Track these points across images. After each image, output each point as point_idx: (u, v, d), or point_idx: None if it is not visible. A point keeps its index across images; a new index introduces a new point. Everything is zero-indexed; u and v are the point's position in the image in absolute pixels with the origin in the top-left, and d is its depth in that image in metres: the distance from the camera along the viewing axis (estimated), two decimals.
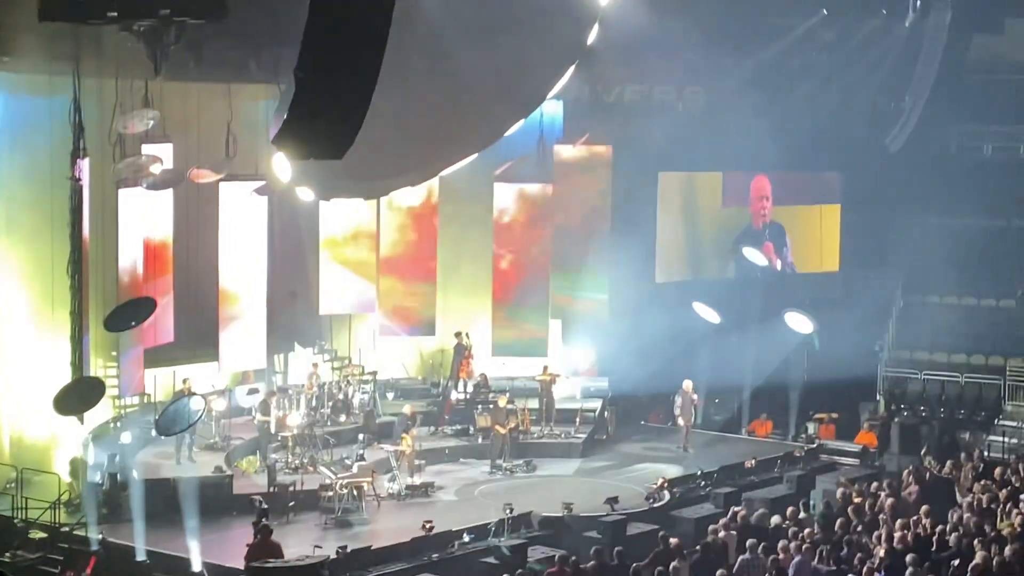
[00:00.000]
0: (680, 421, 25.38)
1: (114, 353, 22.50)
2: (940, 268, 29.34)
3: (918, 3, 27.79)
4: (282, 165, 21.26)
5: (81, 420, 19.71)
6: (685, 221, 29.70)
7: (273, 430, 22.93)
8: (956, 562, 15.90)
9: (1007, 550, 16.19)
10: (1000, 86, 29.41)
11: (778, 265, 30.47)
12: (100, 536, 18.85)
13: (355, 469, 21.26)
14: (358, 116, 8.45)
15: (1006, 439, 25.19)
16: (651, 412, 27.97)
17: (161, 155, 21.82)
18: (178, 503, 19.64)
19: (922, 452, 23.23)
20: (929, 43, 27.56)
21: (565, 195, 27.74)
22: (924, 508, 18.14)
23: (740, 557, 16.42)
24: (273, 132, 16.15)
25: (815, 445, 25.38)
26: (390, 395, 26.75)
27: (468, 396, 25.88)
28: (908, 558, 15.61)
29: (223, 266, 24.14)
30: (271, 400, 23.22)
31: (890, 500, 18.96)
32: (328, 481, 20.58)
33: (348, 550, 17.40)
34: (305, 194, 23.25)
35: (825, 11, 27.94)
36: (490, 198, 27.49)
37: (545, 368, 26.06)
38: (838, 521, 18.15)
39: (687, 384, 25.36)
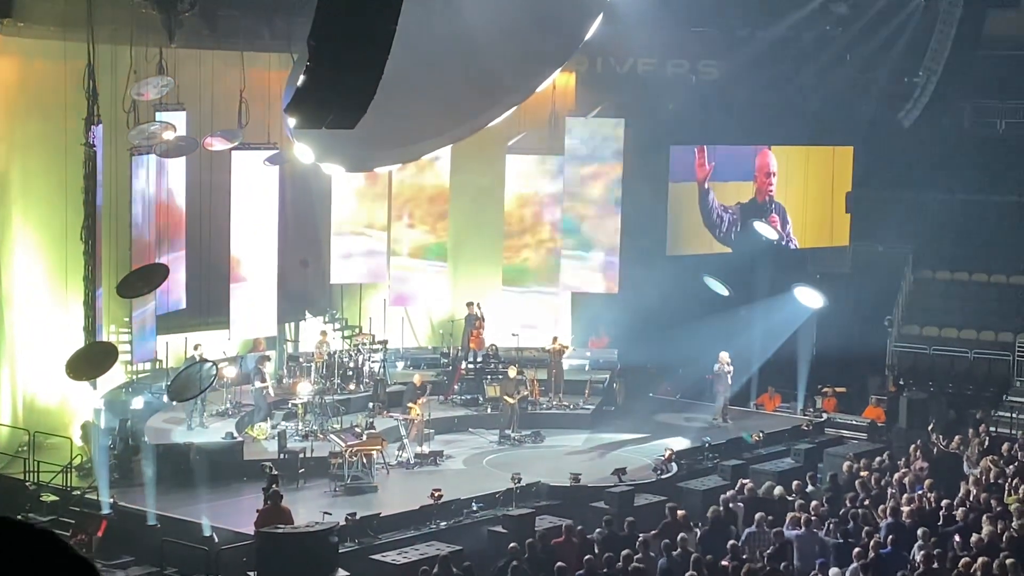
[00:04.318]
0: (718, 390, 25.32)
1: (127, 319, 22.60)
2: (951, 244, 29.32)
3: None
4: (304, 148, 21.14)
5: (94, 385, 19.82)
6: (695, 194, 29.64)
7: (273, 395, 23.09)
8: (964, 535, 15.99)
9: (1014, 524, 16.28)
10: (1014, 62, 29.25)
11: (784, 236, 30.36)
12: (111, 500, 18.97)
13: (364, 437, 21.37)
14: (372, 84, 8.46)
15: (1014, 415, 25.23)
16: (660, 384, 28.04)
17: (174, 123, 21.86)
18: (189, 468, 19.81)
19: (930, 427, 23.29)
20: (943, 18, 27.44)
21: (577, 167, 27.74)
22: (928, 482, 18.20)
23: (747, 529, 16.52)
24: (286, 101, 16.20)
25: (823, 419, 25.43)
26: (400, 364, 26.86)
27: (478, 366, 25.95)
28: (919, 532, 15.71)
29: (235, 234, 24.22)
30: (263, 366, 23.33)
31: (897, 474, 19.03)
32: (338, 448, 20.70)
33: (357, 517, 17.50)
34: (333, 170, 23.16)
35: None
36: (502, 169, 27.50)
37: (555, 339, 26.11)
38: (845, 495, 18.23)
39: (723, 356, 25.28)
